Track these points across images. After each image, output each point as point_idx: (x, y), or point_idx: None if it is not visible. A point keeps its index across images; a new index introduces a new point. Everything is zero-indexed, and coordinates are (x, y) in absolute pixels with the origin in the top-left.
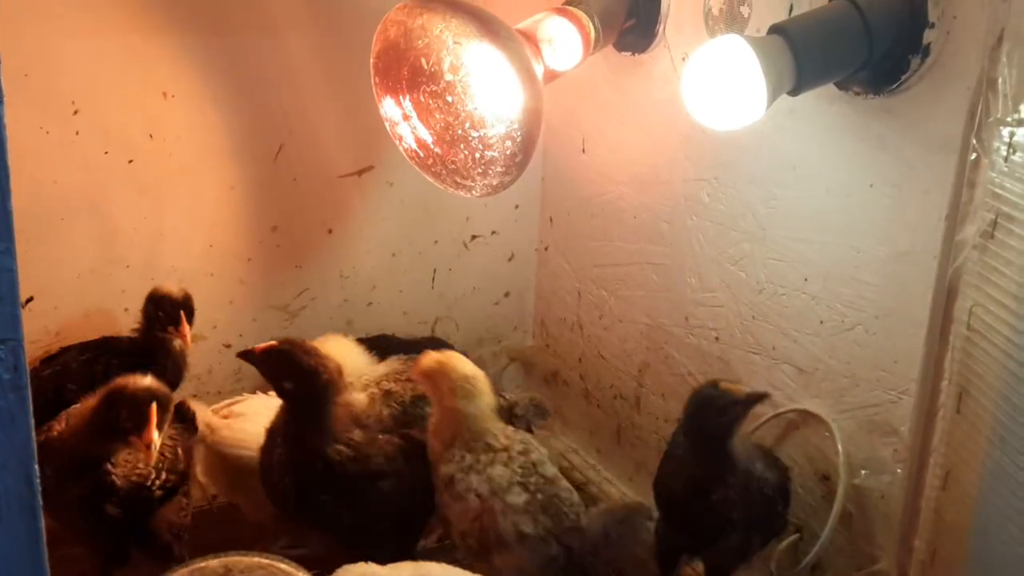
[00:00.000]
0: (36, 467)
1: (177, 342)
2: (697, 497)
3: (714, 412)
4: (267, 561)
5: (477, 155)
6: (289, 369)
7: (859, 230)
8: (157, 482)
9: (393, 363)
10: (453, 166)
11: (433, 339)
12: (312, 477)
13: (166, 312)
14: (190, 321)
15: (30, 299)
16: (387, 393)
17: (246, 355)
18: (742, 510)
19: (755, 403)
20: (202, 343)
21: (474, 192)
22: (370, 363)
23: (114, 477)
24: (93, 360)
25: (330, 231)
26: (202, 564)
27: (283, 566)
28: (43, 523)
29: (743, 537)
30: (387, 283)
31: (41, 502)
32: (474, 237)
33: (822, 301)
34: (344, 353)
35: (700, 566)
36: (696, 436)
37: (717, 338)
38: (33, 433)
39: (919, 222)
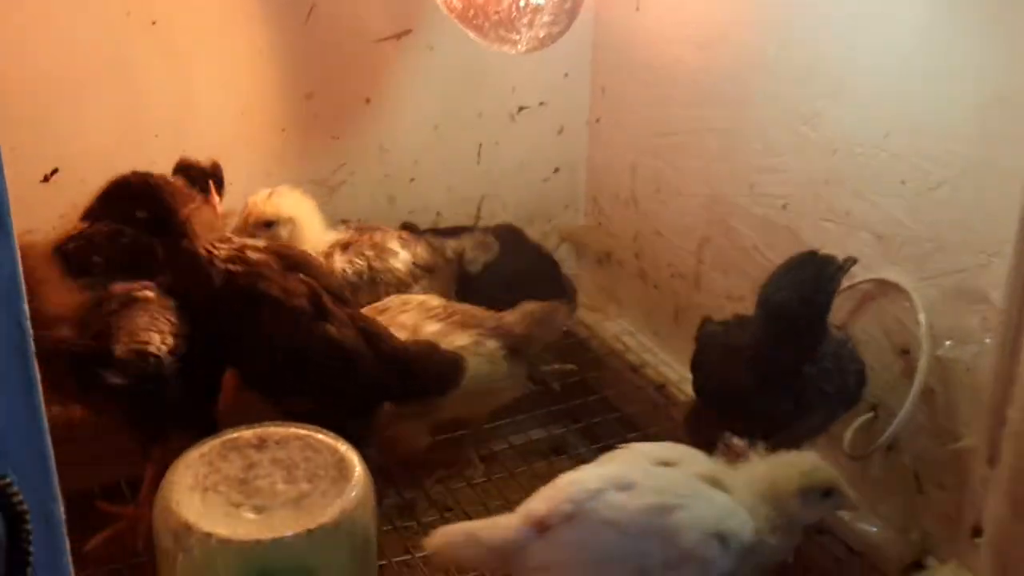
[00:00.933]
0: (25, 306)
1: None
2: (787, 377)
3: (825, 280)
4: (304, 432)
5: (522, 2)
6: (138, 197)
7: (948, 76)
8: (164, 348)
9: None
10: (496, 16)
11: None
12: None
13: (194, 182)
14: (220, 192)
15: (55, 171)
16: (346, 246)
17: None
18: (835, 383)
19: (850, 268)
20: (231, 220)
21: (520, 47)
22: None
23: (114, 345)
24: (119, 232)
25: (368, 100)
26: (235, 435)
27: (321, 436)
28: (37, 371)
29: (828, 411)
30: (429, 158)
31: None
32: (521, 109)
33: (904, 158)
34: (299, 209)
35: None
36: (797, 308)
37: (785, 206)
38: (19, 268)
39: (1016, 63)
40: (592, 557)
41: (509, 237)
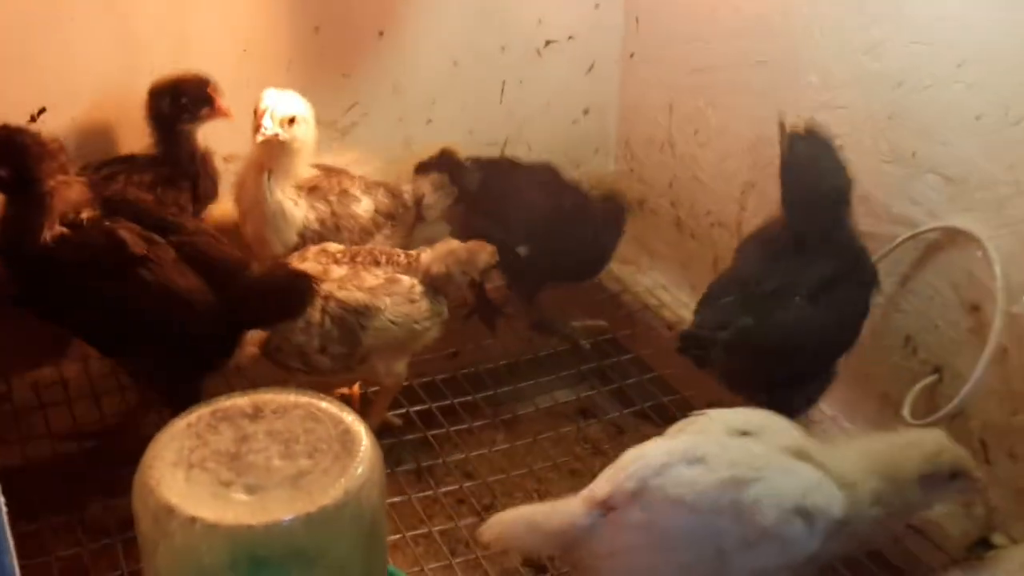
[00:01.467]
0: None
1: (202, 150)
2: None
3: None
4: (305, 400)
5: None
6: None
7: None
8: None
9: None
10: None
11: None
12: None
13: (191, 96)
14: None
15: (42, 110)
16: (312, 190)
17: None
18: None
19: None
20: (239, 163)
21: None
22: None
23: None
24: (110, 177)
25: (381, 34)
26: (227, 403)
27: (324, 405)
28: None
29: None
30: (448, 97)
31: None
32: (548, 43)
33: (980, 91)
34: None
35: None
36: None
37: (842, 146)
38: None
39: None
40: (661, 539)
41: (547, 177)
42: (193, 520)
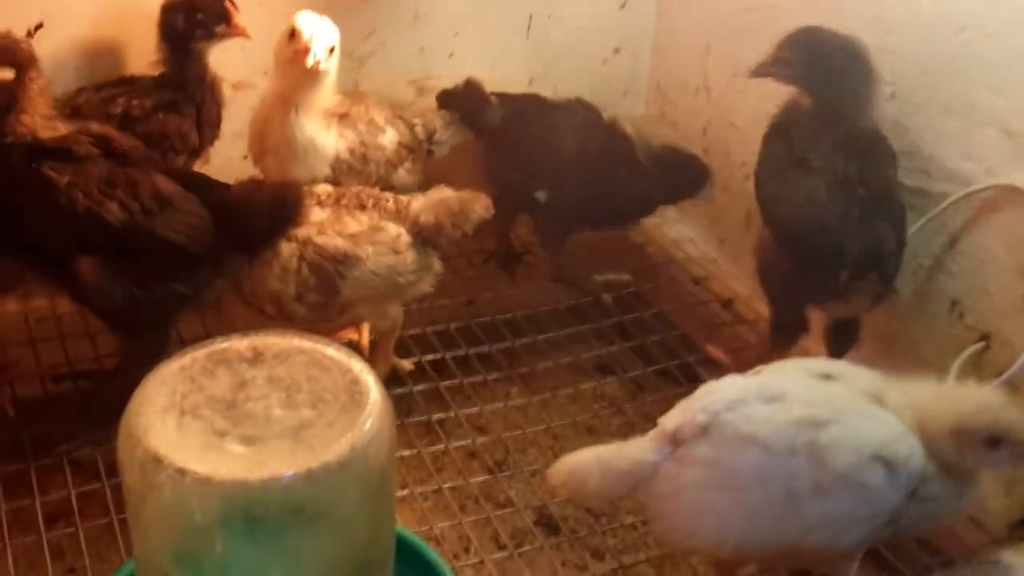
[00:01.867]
0: None
1: (212, 75)
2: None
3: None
4: (310, 345)
5: None
6: None
7: None
8: None
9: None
10: None
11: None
12: None
13: (208, 12)
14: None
15: (39, 25)
16: (343, 117)
17: None
18: None
19: None
20: (248, 92)
21: None
22: None
23: None
24: (110, 100)
25: None
26: (224, 345)
27: (330, 352)
28: None
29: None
30: (472, 29)
31: None
32: None
33: None
34: None
35: None
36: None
37: (893, 95)
38: None
39: None
40: (728, 478)
41: (578, 118)
42: (183, 472)
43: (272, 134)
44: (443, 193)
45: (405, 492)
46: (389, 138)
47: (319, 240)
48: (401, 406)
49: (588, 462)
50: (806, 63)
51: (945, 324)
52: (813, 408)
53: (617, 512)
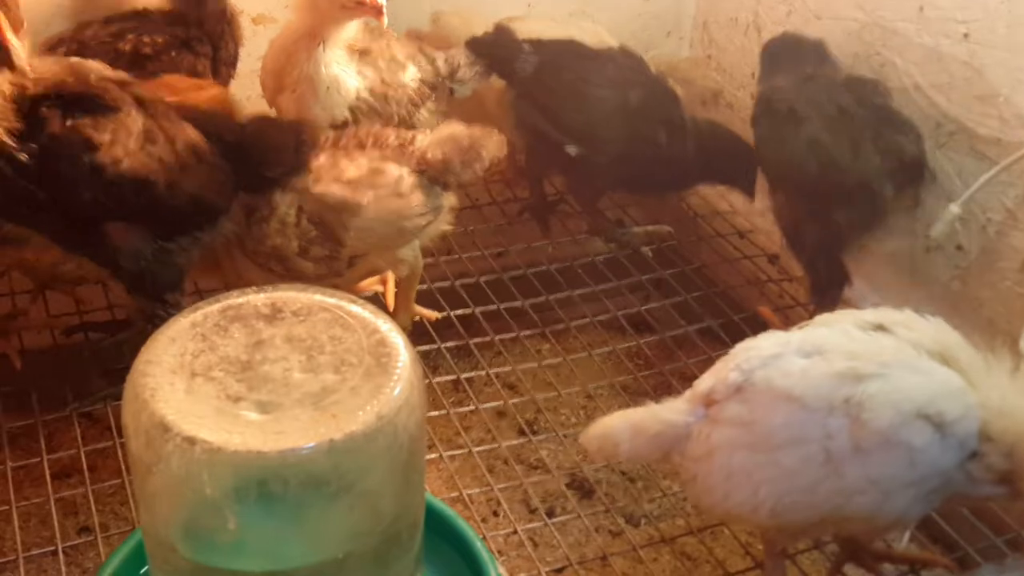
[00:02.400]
0: None
1: (230, 10)
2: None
3: None
4: (333, 301)
5: None
6: None
7: None
8: None
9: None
10: None
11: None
12: None
13: None
14: None
15: None
16: (363, 54)
17: None
18: None
19: None
20: (270, 27)
21: None
22: None
23: None
24: (118, 35)
25: None
26: (240, 299)
27: (355, 308)
28: None
29: None
30: None
31: None
32: None
33: None
34: None
35: None
36: None
37: (967, 35)
38: None
39: None
40: (763, 437)
41: (625, 66)
42: (192, 441)
43: (294, 70)
44: (453, 128)
45: (433, 456)
46: (411, 75)
47: (317, 189)
48: (428, 363)
49: (620, 426)
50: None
51: (1015, 283)
52: (855, 361)
53: (654, 476)
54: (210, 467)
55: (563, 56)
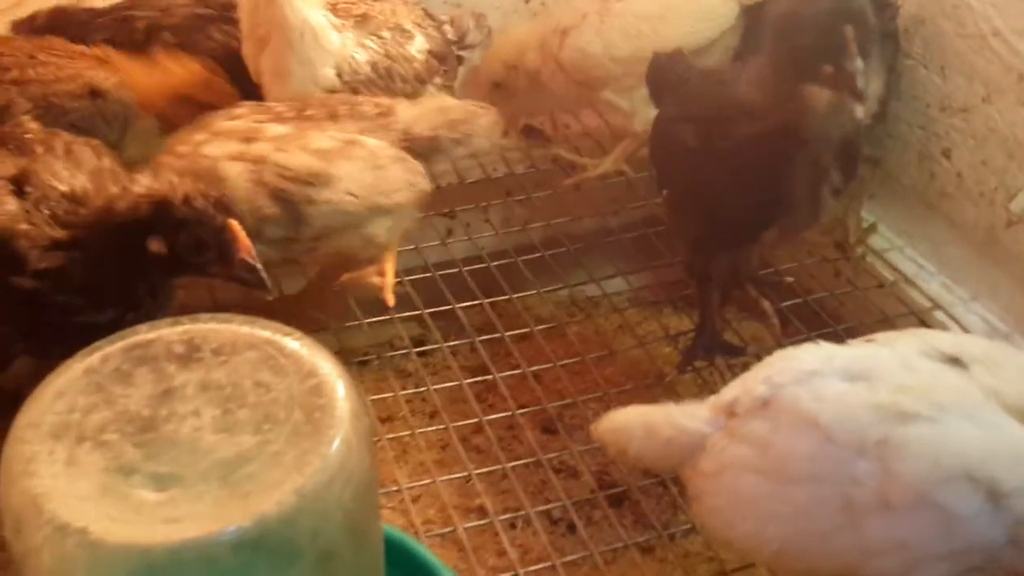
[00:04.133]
0: None
1: None
2: None
3: None
4: (266, 334)
5: None
6: None
7: None
8: None
9: None
10: None
11: None
12: None
13: None
14: None
15: None
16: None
17: None
18: None
19: None
20: None
21: None
22: None
23: None
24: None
25: None
26: (150, 335)
27: (289, 344)
28: None
29: None
30: None
31: None
32: None
33: None
34: None
35: None
36: None
37: None
38: None
39: None
40: (778, 463)
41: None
42: (66, 530)
43: (259, 14)
44: (443, 101)
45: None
46: (418, 46)
47: (279, 158)
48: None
49: (634, 423)
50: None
51: None
52: (902, 396)
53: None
54: (88, 564)
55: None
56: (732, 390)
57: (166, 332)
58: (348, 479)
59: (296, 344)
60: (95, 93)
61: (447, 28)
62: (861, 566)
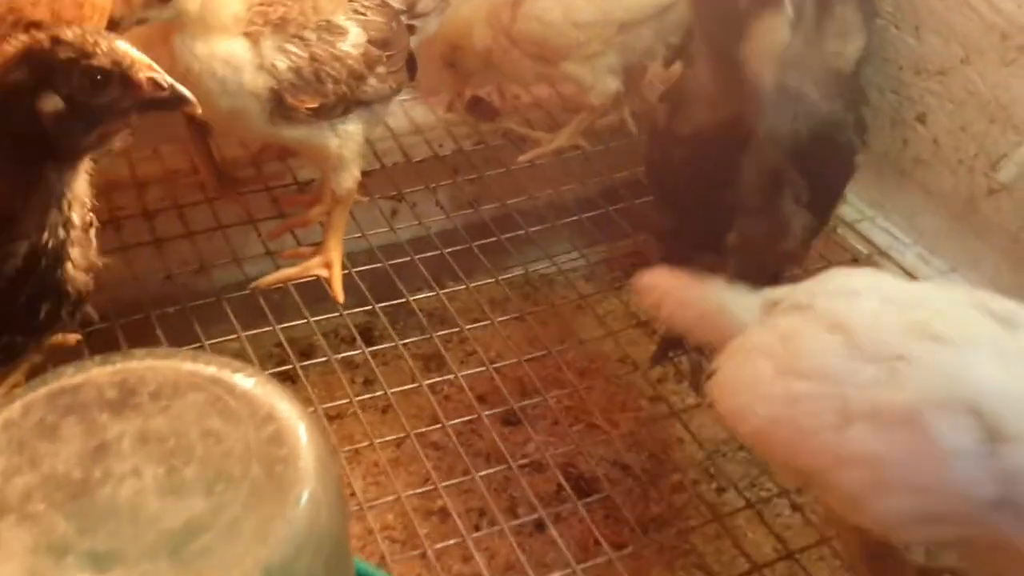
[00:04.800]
0: None
1: None
2: None
3: None
4: (211, 371)
5: None
6: None
7: None
8: None
9: None
10: None
11: None
12: None
13: None
14: None
15: None
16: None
17: None
18: None
19: None
20: None
21: None
22: None
23: None
24: None
25: None
26: (77, 378)
27: (240, 382)
28: None
29: None
30: None
31: None
32: None
33: None
34: None
35: None
36: None
37: None
38: None
39: None
40: (790, 353)
41: None
42: None
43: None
44: None
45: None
46: (354, 39)
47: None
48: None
49: (674, 291)
50: None
51: None
52: (938, 320)
53: (663, 471)
54: None
55: None
56: (782, 290)
57: (95, 373)
58: (319, 546)
59: (249, 382)
60: None
61: (393, 1)
62: (830, 472)
